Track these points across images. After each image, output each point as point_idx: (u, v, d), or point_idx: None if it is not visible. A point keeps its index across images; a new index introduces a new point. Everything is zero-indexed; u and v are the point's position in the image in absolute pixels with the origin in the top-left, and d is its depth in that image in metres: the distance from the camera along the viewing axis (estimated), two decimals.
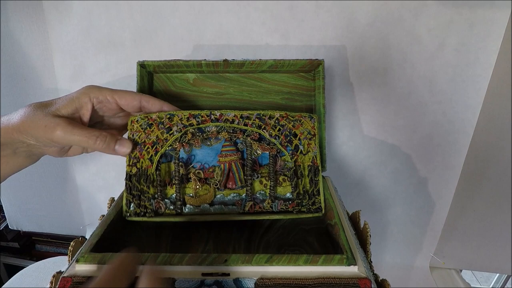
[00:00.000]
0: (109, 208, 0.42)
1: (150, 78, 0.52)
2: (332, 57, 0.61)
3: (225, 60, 0.47)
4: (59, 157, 0.45)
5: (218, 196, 0.45)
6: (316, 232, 0.42)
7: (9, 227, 0.84)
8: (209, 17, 0.60)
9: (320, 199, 0.42)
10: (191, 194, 0.45)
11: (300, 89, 0.53)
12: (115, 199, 0.45)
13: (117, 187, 0.71)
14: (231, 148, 0.45)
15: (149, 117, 0.44)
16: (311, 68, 0.50)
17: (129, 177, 0.43)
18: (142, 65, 0.48)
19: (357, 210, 0.43)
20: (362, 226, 0.39)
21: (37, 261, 0.78)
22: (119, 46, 0.62)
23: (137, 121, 0.44)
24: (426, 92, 0.62)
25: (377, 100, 0.64)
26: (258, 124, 0.42)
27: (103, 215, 0.41)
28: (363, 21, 0.58)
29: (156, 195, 0.44)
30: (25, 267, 0.74)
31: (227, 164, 0.45)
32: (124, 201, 0.43)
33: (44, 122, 0.39)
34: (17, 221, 0.86)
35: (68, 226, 0.85)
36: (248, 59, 0.47)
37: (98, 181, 0.75)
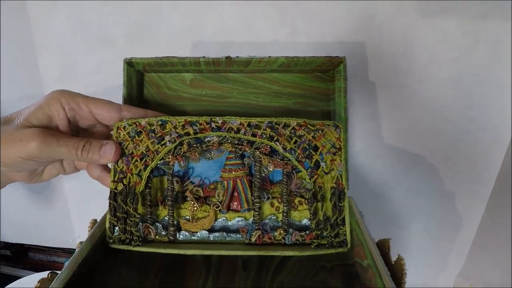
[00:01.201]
0: (89, 232, 0.35)
1: (139, 78, 0.45)
2: (348, 55, 0.54)
3: (228, 58, 0.39)
4: (31, 183, 0.38)
5: (220, 219, 0.37)
6: (340, 272, 0.34)
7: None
8: (209, 11, 0.53)
9: (345, 231, 0.35)
10: (188, 217, 0.37)
11: (316, 92, 0.45)
12: (98, 221, 0.38)
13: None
14: (237, 162, 0.38)
15: (137, 123, 0.36)
16: (330, 67, 0.43)
17: (113, 195, 0.36)
18: (129, 63, 0.41)
19: (386, 238, 0.35)
20: (393, 259, 0.31)
21: (30, 269, 0.73)
22: (111, 43, 0.56)
23: (124, 127, 0.36)
24: (453, 95, 0.56)
25: (398, 104, 0.58)
26: (269, 134, 0.35)
27: (81, 243, 0.34)
28: (383, 15, 0.52)
29: (145, 217, 0.36)
30: (17, 276, 0.68)
31: (232, 181, 0.37)
32: (107, 224, 0.35)
33: (18, 136, 0.32)
34: (5, 233, 0.80)
35: (57, 238, 0.79)
36: (255, 56, 0.39)
37: (89, 188, 0.68)
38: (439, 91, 0.55)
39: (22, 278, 0.72)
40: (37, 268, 0.89)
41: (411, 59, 0.54)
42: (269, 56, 0.40)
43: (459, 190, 0.62)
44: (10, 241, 0.82)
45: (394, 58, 0.54)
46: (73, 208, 0.72)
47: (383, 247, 0.34)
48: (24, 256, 0.97)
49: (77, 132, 0.39)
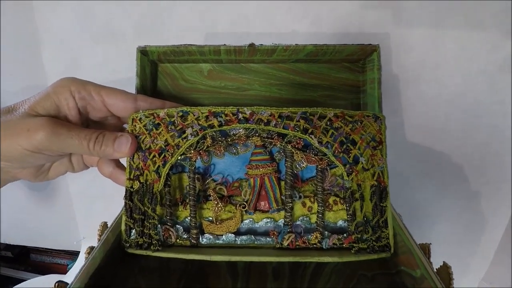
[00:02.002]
0: (99, 239, 0.31)
1: (153, 68, 0.41)
2: None
3: (251, 45, 0.36)
4: (37, 181, 0.34)
5: (246, 221, 0.34)
6: (384, 282, 0.30)
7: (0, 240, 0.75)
8: (224, 1, 0.50)
9: (387, 234, 0.31)
10: (211, 218, 0.34)
11: (344, 84, 0.42)
12: (108, 224, 0.34)
13: (116, 197, 0.63)
14: (264, 157, 0.34)
15: (155, 114, 0.33)
16: (361, 57, 0.39)
17: (129, 194, 0.32)
18: (143, 52, 0.37)
19: (426, 243, 0.32)
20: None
21: (32, 271, 0.69)
22: (119, 36, 0.53)
23: (140, 119, 0.33)
24: (485, 90, 0.53)
25: (424, 100, 0.55)
26: (303, 126, 0.31)
27: (91, 248, 0.30)
28: (410, 3, 0.49)
29: (165, 219, 0.33)
30: (18, 278, 0.64)
31: (259, 179, 0.34)
32: (123, 226, 0.32)
33: (25, 125, 0.29)
34: (6, 234, 0.76)
35: (62, 240, 0.76)
36: (281, 44, 0.36)
37: (94, 189, 0.65)
38: (470, 85, 0.52)
39: (25, 282, 0.68)
40: (39, 270, 0.85)
41: (441, 51, 0.51)
42: (296, 44, 0.36)
43: (485, 191, 0.59)
44: (11, 243, 0.79)
45: (422, 50, 0.51)
46: (77, 209, 0.69)
47: (423, 252, 0.31)
48: (26, 258, 0.94)
49: (87, 125, 0.35)
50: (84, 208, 0.68)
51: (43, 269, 0.84)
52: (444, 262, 0.30)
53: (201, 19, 0.51)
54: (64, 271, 0.80)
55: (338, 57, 0.39)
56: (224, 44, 0.37)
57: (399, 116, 0.56)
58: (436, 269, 0.31)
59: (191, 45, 0.37)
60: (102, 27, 0.53)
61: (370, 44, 0.37)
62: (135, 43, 0.52)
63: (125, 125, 0.38)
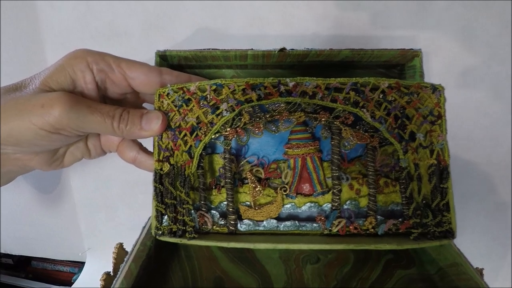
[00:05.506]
0: (114, 262, 0.28)
1: None
2: None
3: (282, 50, 0.31)
4: (51, 170, 0.30)
5: (287, 205, 0.31)
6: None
7: None
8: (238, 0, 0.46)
9: (449, 218, 0.28)
10: (248, 203, 0.31)
11: None
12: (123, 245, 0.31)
13: (120, 207, 0.60)
14: (305, 136, 0.31)
15: (185, 88, 0.29)
16: (399, 62, 0.35)
17: (159, 177, 0.29)
18: (162, 56, 0.33)
19: (478, 267, 0.29)
20: None
21: (32, 279, 0.65)
22: (125, 36, 0.49)
23: (167, 95, 0.29)
24: None
25: (450, 106, 0.51)
26: (354, 99, 0.28)
27: (107, 274, 0.27)
28: (438, 4, 0.45)
29: (199, 204, 0.30)
30: (17, 286, 0.61)
31: (300, 159, 0.31)
32: (154, 212, 0.29)
33: (38, 101, 0.25)
34: (5, 242, 0.73)
35: (65, 251, 0.72)
36: (314, 49, 0.32)
37: (99, 198, 0.62)
38: (500, 91, 0.48)
39: None
40: (41, 278, 0.81)
41: (470, 55, 0.47)
42: (330, 49, 0.32)
43: None
44: (12, 253, 0.75)
45: (450, 53, 0.47)
46: (82, 218, 0.65)
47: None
48: (26, 265, 0.91)
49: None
50: (89, 217, 0.64)
51: (44, 277, 0.81)
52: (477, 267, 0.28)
53: (212, 19, 0.47)
54: (66, 278, 0.76)
55: (376, 62, 0.34)
56: (252, 49, 0.32)
57: None
58: None
59: (216, 49, 0.33)
60: (106, 27, 0.49)
61: (412, 48, 0.33)
62: (141, 44, 0.49)
63: (143, 104, 0.35)
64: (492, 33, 0.46)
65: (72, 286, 0.64)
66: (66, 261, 0.79)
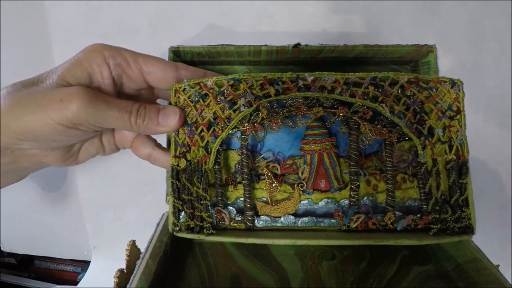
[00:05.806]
0: (127, 259, 0.28)
1: None
2: None
3: (297, 45, 0.31)
4: (65, 166, 0.30)
5: (304, 201, 0.31)
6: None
7: (1, 248, 0.70)
8: None
9: (468, 214, 0.28)
10: (265, 199, 0.31)
11: None
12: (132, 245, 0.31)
13: (129, 205, 0.59)
14: (322, 131, 0.31)
15: (202, 84, 0.29)
16: (413, 58, 0.35)
17: (176, 173, 0.29)
18: (175, 52, 0.33)
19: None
20: None
21: (35, 278, 0.64)
22: (133, 34, 0.49)
23: (183, 90, 0.29)
24: None
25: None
26: (373, 94, 0.28)
27: (121, 271, 0.27)
28: (448, 3, 0.45)
29: (216, 200, 0.30)
30: (20, 286, 0.60)
31: (316, 155, 0.30)
32: (171, 208, 0.29)
33: (56, 95, 0.25)
34: (9, 242, 0.72)
35: (70, 250, 0.71)
36: (328, 45, 0.32)
37: (105, 197, 0.61)
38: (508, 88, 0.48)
39: None
40: (44, 277, 0.80)
41: (479, 51, 0.47)
42: (345, 44, 0.32)
43: None
44: (16, 252, 0.74)
45: (460, 50, 0.47)
46: (87, 217, 0.64)
47: None
48: (30, 264, 0.91)
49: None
50: (94, 216, 0.64)
51: (47, 276, 0.80)
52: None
53: (222, 16, 0.47)
54: (70, 278, 0.75)
55: (390, 58, 0.34)
56: (265, 44, 0.32)
57: None
58: None
59: (229, 45, 0.32)
60: (113, 24, 0.49)
61: (426, 44, 0.33)
62: (149, 41, 0.49)
63: (157, 100, 0.34)
64: (503, 28, 0.45)
65: (77, 285, 0.64)
66: (70, 260, 0.78)
